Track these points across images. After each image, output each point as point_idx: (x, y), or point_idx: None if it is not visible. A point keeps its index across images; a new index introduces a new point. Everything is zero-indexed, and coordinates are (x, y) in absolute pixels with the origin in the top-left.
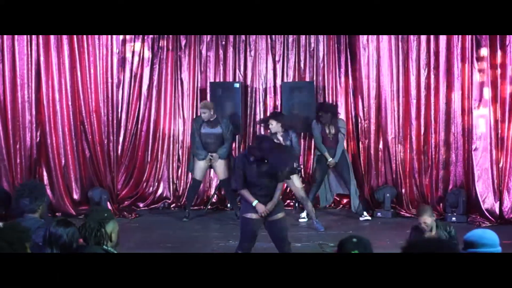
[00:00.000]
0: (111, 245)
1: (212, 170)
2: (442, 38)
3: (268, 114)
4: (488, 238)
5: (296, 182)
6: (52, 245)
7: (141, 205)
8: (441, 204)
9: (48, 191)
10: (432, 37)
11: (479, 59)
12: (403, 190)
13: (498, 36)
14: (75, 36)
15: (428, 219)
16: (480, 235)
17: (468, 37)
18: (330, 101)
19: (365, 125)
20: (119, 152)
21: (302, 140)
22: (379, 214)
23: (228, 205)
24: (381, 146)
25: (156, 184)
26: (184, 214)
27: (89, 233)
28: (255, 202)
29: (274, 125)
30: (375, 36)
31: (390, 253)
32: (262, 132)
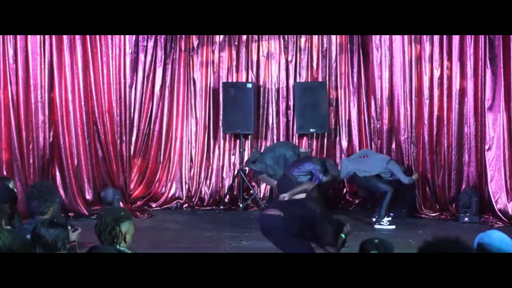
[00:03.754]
0: (126, 246)
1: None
2: (455, 38)
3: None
4: (506, 243)
5: None
6: (36, 244)
7: (153, 205)
8: (453, 205)
9: (61, 191)
10: (445, 37)
11: (492, 59)
12: (416, 191)
13: (511, 36)
14: (88, 36)
15: None
16: (498, 239)
17: (481, 37)
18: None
19: (378, 125)
20: (131, 152)
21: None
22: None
23: (241, 205)
24: (393, 146)
25: (169, 184)
26: None
27: (104, 228)
28: None
29: None
30: (388, 36)
31: (402, 253)
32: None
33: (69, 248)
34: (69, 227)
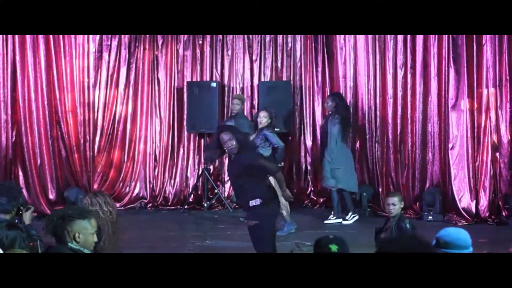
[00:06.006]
0: (81, 245)
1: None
2: (419, 38)
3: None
4: (462, 240)
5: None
6: None
7: (117, 205)
8: (417, 203)
9: (24, 191)
10: (409, 36)
11: (456, 58)
12: (380, 189)
13: (474, 36)
14: (51, 36)
15: (396, 202)
16: (455, 236)
17: (445, 37)
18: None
19: None
20: (95, 152)
21: None
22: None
23: (205, 204)
24: (358, 145)
25: (133, 184)
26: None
27: (48, 224)
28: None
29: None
30: (352, 35)
31: (366, 253)
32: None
33: (31, 248)
34: (21, 208)
